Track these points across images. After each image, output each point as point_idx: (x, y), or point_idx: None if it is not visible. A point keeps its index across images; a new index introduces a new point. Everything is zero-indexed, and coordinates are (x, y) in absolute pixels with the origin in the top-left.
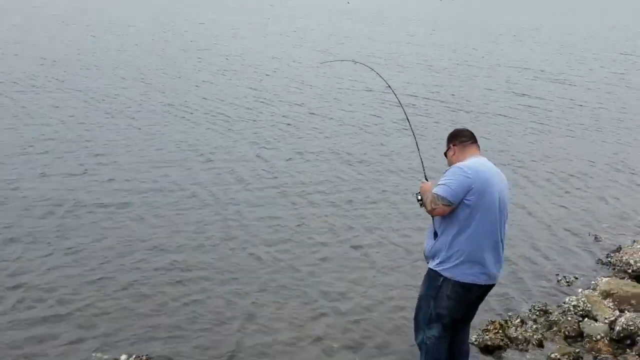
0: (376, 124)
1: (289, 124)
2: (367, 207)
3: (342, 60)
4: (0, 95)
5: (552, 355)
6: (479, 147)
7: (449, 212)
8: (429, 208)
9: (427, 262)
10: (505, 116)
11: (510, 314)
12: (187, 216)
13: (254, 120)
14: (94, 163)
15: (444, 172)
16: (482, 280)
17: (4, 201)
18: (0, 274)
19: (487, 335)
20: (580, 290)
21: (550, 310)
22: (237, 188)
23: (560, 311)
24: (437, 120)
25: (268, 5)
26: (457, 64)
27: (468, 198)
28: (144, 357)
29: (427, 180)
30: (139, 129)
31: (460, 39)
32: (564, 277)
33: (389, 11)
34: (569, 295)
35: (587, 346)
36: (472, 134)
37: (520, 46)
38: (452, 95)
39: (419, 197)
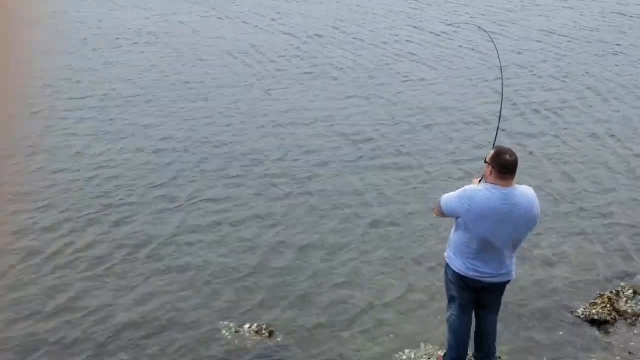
0: None
1: None
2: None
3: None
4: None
5: None
6: (514, 176)
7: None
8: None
9: None
10: None
11: (622, 283)
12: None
13: None
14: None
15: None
16: (471, 275)
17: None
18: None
19: (594, 309)
20: None
21: None
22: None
23: None
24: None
25: None
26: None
27: (460, 219)
28: (264, 326)
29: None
30: None
31: None
32: None
33: None
34: None
35: None
36: (514, 164)
37: None
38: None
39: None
